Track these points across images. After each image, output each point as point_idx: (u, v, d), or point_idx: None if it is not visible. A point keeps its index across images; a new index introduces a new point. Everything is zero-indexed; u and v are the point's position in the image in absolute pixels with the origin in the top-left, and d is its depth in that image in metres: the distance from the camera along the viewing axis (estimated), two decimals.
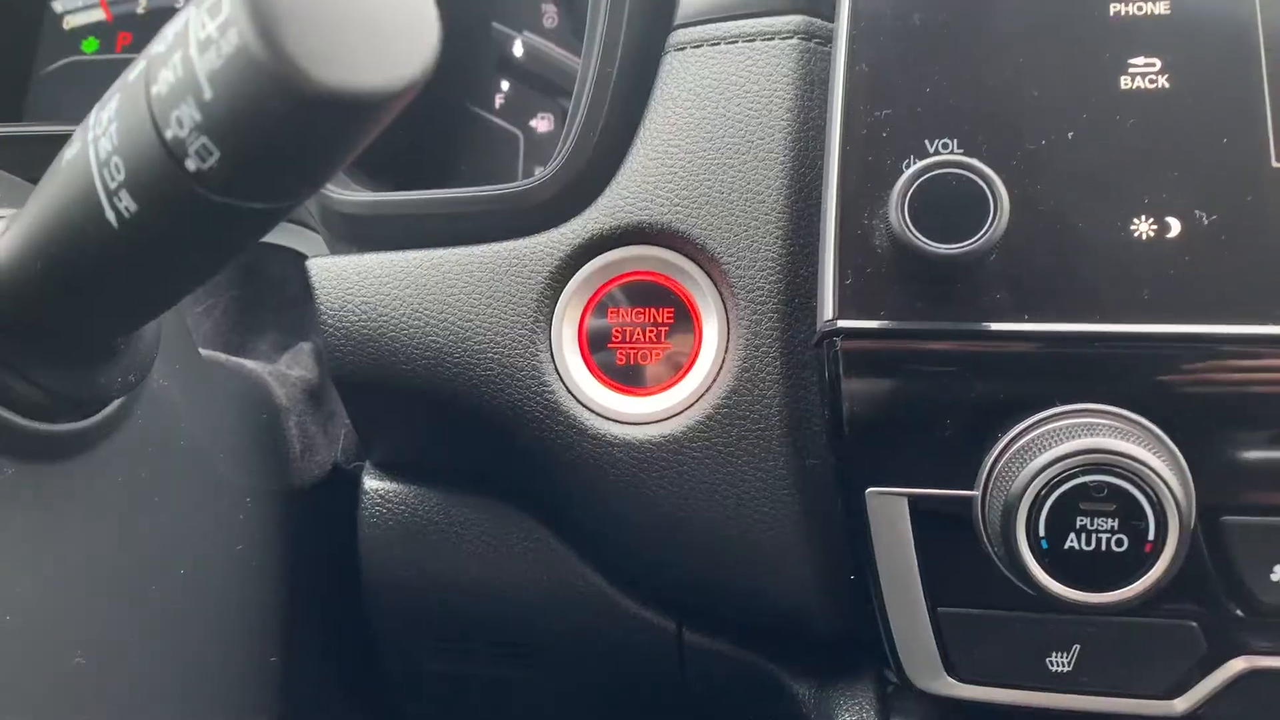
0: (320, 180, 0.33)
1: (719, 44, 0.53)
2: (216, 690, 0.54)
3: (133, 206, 0.32)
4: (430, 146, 0.75)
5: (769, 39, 0.52)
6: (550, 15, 0.77)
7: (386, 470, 0.62)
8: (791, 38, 0.52)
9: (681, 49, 0.54)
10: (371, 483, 0.61)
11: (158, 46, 0.31)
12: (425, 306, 0.54)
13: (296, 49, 0.27)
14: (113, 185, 0.32)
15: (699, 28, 0.54)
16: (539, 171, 0.78)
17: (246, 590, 0.57)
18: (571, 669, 0.62)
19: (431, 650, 0.63)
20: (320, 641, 0.63)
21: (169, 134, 0.30)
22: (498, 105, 0.76)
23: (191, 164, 0.30)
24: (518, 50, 0.76)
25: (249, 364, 0.66)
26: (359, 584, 0.62)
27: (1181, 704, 0.47)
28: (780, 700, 0.56)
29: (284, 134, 0.29)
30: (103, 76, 0.80)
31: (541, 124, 0.77)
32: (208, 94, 0.29)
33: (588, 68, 0.55)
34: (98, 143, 0.32)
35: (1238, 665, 0.46)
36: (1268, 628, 0.45)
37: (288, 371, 0.67)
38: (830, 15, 0.51)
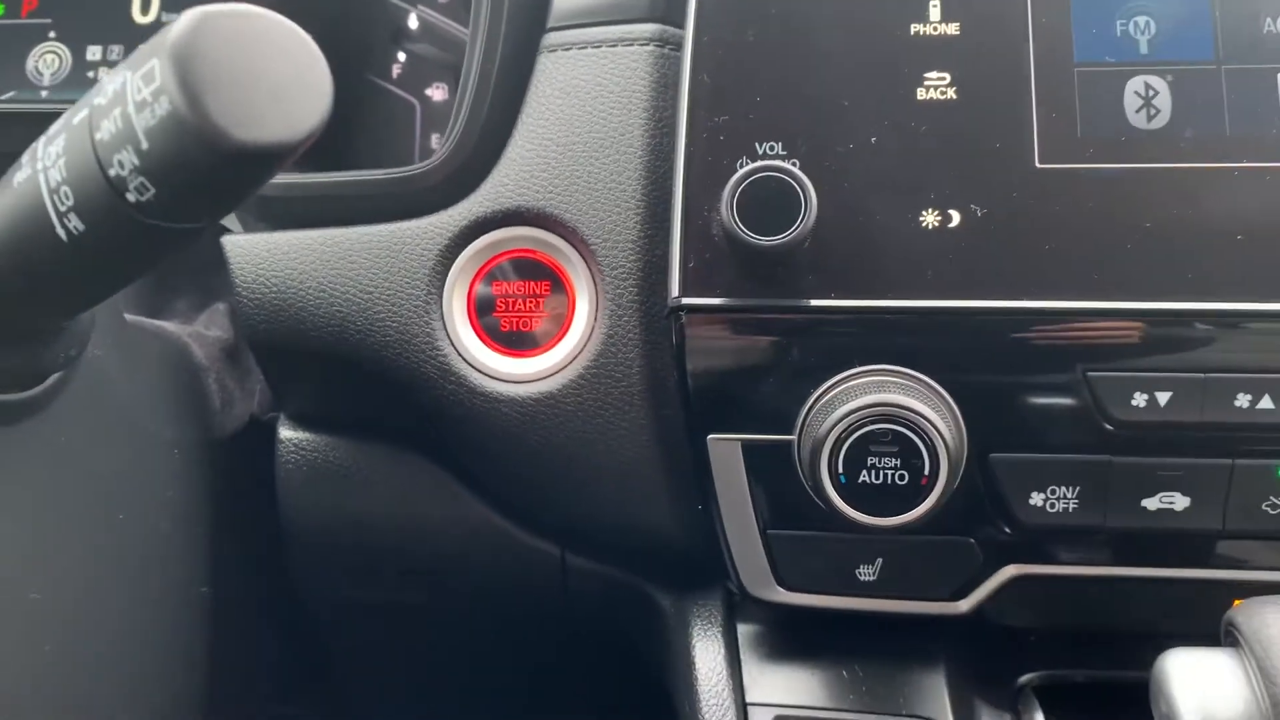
0: (237, 205, 0.40)
1: (585, 48, 0.61)
2: (155, 617, 0.61)
3: (81, 226, 0.39)
4: (335, 115, 0.81)
5: (629, 44, 0.60)
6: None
7: (299, 421, 0.69)
8: (648, 44, 0.60)
9: (553, 51, 0.61)
10: (286, 433, 0.69)
11: (99, 99, 0.37)
12: (331, 280, 0.61)
13: (217, 113, 0.34)
14: (63, 209, 0.39)
15: (568, 32, 0.61)
16: (435, 139, 0.84)
17: (178, 530, 0.64)
18: (470, 592, 0.71)
19: (344, 579, 0.72)
20: (244, 573, 0.71)
21: (112, 172, 0.37)
22: (395, 75, 0.82)
23: (131, 196, 0.37)
24: (412, 23, 0.81)
25: (169, 326, 0.72)
26: (278, 522, 0.69)
27: (965, 605, 0.57)
28: (647, 609, 0.66)
29: (208, 176, 0.36)
30: (6, 40, 0.84)
31: (437, 93, 0.83)
32: (145, 145, 0.36)
33: (470, 66, 0.62)
34: (47, 172, 0.39)
35: (1008, 572, 0.57)
36: (1029, 542, 0.56)
37: (205, 332, 0.73)
38: (682, 24, 0.59)
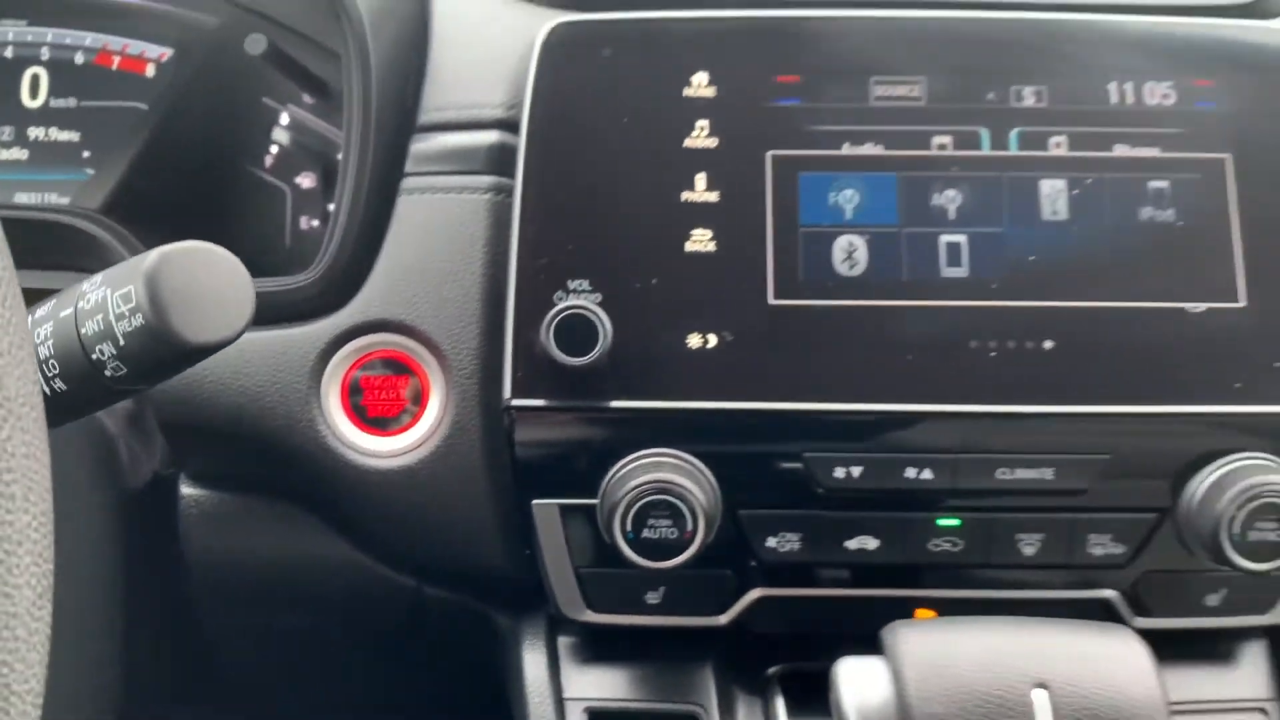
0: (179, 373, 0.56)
1: (437, 192, 0.77)
2: (73, 650, 0.75)
3: (63, 387, 0.53)
4: (215, 200, 0.94)
5: (471, 192, 0.77)
6: (308, 99, 0.96)
7: (197, 479, 0.84)
8: (487, 193, 0.76)
9: (410, 194, 0.77)
10: (186, 489, 0.83)
11: (83, 304, 0.51)
12: (229, 377, 0.75)
13: (177, 325, 0.50)
14: (49, 374, 0.53)
15: (422, 178, 0.77)
16: (304, 221, 0.98)
17: (95, 572, 0.78)
18: (343, 617, 0.87)
19: (238, 607, 0.87)
20: (152, 610, 0.85)
21: (94, 356, 0.51)
22: (268, 164, 0.95)
23: (108, 372, 0.51)
24: (284, 120, 0.95)
25: None
26: (181, 562, 0.84)
27: (724, 618, 0.75)
28: (489, 628, 0.83)
29: (168, 363, 0.51)
30: None
31: (305, 180, 0.96)
32: (122, 342, 0.50)
33: (340, 203, 0.77)
34: (38, 348, 0.53)
35: (755, 594, 0.74)
36: (768, 572, 0.75)
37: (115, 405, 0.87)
38: (514, 177, 0.76)
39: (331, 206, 0.90)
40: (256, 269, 0.90)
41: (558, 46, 0.75)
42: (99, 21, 0.93)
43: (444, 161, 0.77)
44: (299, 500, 0.81)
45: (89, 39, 0.93)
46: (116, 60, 0.93)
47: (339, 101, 0.87)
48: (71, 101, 0.93)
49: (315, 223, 0.95)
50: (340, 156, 0.81)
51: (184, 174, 0.91)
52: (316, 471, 0.76)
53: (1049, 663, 0.58)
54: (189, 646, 0.91)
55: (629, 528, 0.69)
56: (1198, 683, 0.80)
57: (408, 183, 0.77)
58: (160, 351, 0.50)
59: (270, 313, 0.76)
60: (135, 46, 0.93)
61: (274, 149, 0.95)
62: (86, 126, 0.91)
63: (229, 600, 0.86)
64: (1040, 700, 0.57)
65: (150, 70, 0.92)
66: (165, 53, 0.92)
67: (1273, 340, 0.72)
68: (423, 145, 0.78)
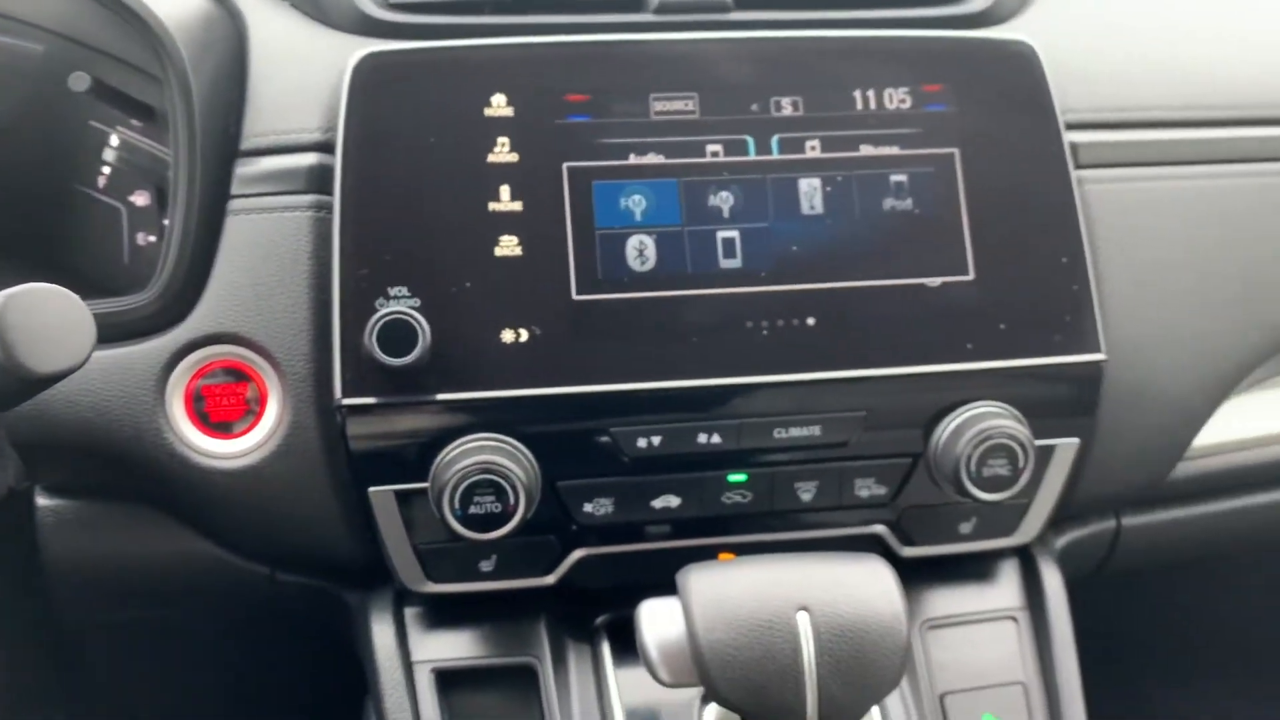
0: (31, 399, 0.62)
1: (261, 212, 0.83)
2: None
3: None
4: (51, 223, 0.97)
5: (294, 211, 0.83)
6: (135, 122, 1.00)
7: (52, 490, 0.88)
8: (309, 210, 0.83)
9: (237, 214, 0.83)
10: (42, 500, 0.87)
11: None
12: (76, 395, 0.80)
13: (25, 359, 0.56)
14: None
15: (248, 200, 0.83)
16: (140, 237, 1.02)
17: None
18: (202, 606, 0.93)
19: (100, 605, 0.92)
20: (19, 616, 0.90)
21: None
22: (101, 185, 0.99)
23: None
24: (114, 141, 0.99)
25: None
26: (40, 569, 0.89)
27: (551, 578, 0.85)
28: (340, 606, 0.91)
29: (20, 391, 0.57)
30: None
31: (139, 198, 1.00)
32: None
33: (173, 226, 0.83)
34: None
35: (577, 554, 0.85)
36: (587, 534, 0.86)
37: None
38: (332, 194, 0.83)
39: (167, 222, 0.95)
40: (98, 286, 0.95)
41: (367, 74, 0.83)
42: None
43: (267, 183, 0.84)
44: (153, 503, 0.87)
45: None
46: None
47: (165, 122, 0.92)
48: None
49: (152, 238, 0.99)
50: (171, 175, 0.87)
51: (18, 198, 0.94)
52: (167, 476, 0.82)
53: (809, 590, 0.69)
54: (53, 648, 0.96)
55: (457, 506, 0.78)
56: (960, 599, 0.94)
57: (234, 204, 0.83)
58: (12, 384, 0.57)
59: (113, 331, 0.82)
60: None
61: (105, 170, 0.98)
62: None
63: (90, 600, 0.92)
64: (803, 621, 0.68)
65: None
66: None
67: (997, 307, 0.85)
68: (246, 169, 0.84)
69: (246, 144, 0.85)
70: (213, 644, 1.01)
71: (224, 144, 0.85)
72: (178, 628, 0.97)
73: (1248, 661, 1.58)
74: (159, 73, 0.87)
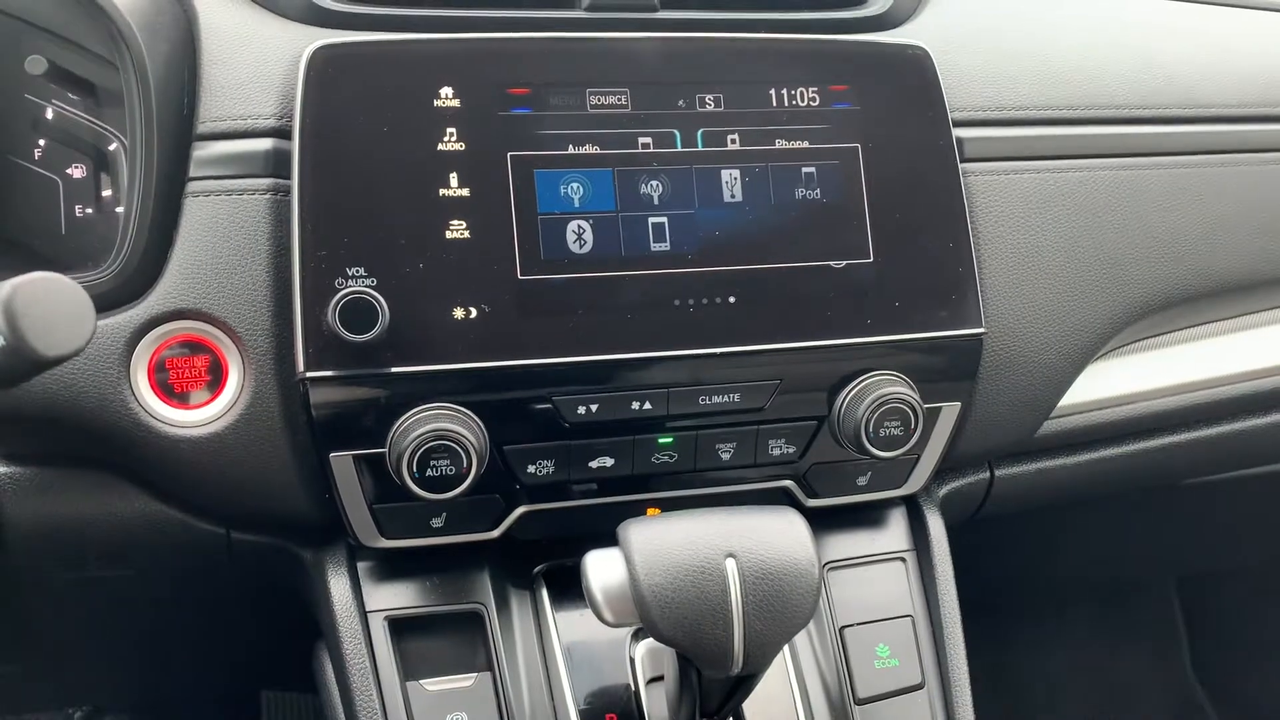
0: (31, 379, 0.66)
1: (220, 195, 0.88)
2: None
3: None
4: None
5: (253, 194, 0.88)
6: (73, 96, 1.02)
7: (11, 458, 0.92)
8: (267, 194, 0.88)
9: (195, 196, 0.88)
10: (1, 468, 0.91)
11: None
12: None
13: (35, 344, 0.61)
14: None
15: (206, 182, 0.87)
16: (78, 209, 1.05)
17: None
18: (161, 566, 0.98)
19: (58, 566, 0.96)
20: None
21: None
22: (37, 158, 1.01)
23: None
24: (49, 115, 1.01)
25: None
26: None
27: (496, 532, 0.93)
28: (297, 562, 0.98)
29: (28, 370, 0.62)
30: None
31: (77, 171, 1.02)
32: None
33: (131, 207, 0.87)
34: None
35: (520, 510, 0.93)
36: (529, 492, 0.94)
37: None
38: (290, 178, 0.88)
39: (106, 193, 0.98)
40: (35, 257, 0.97)
41: (321, 65, 0.88)
42: None
43: (224, 166, 0.88)
44: (114, 470, 0.92)
45: None
46: None
47: (105, 98, 0.95)
48: None
49: (89, 211, 1.02)
50: (112, 148, 0.90)
51: None
52: (132, 445, 0.87)
53: (735, 538, 0.79)
54: (8, 604, 1.00)
55: (415, 469, 0.85)
56: (856, 543, 1.06)
57: (193, 186, 0.87)
58: (21, 365, 0.61)
59: None
60: None
61: (42, 143, 1.00)
62: None
63: (47, 561, 0.96)
64: (730, 566, 0.78)
65: None
66: None
67: (893, 286, 0.96)
68: (203, 152, 0.88)
69: (203, 128, 0.89)
70: (171, 600, 1.06)
71: (179, 127, 0.88)
72: (136, 587, 1.02)
73: (1096, 599, 1.78)
74: (112, 56, 0.90)
